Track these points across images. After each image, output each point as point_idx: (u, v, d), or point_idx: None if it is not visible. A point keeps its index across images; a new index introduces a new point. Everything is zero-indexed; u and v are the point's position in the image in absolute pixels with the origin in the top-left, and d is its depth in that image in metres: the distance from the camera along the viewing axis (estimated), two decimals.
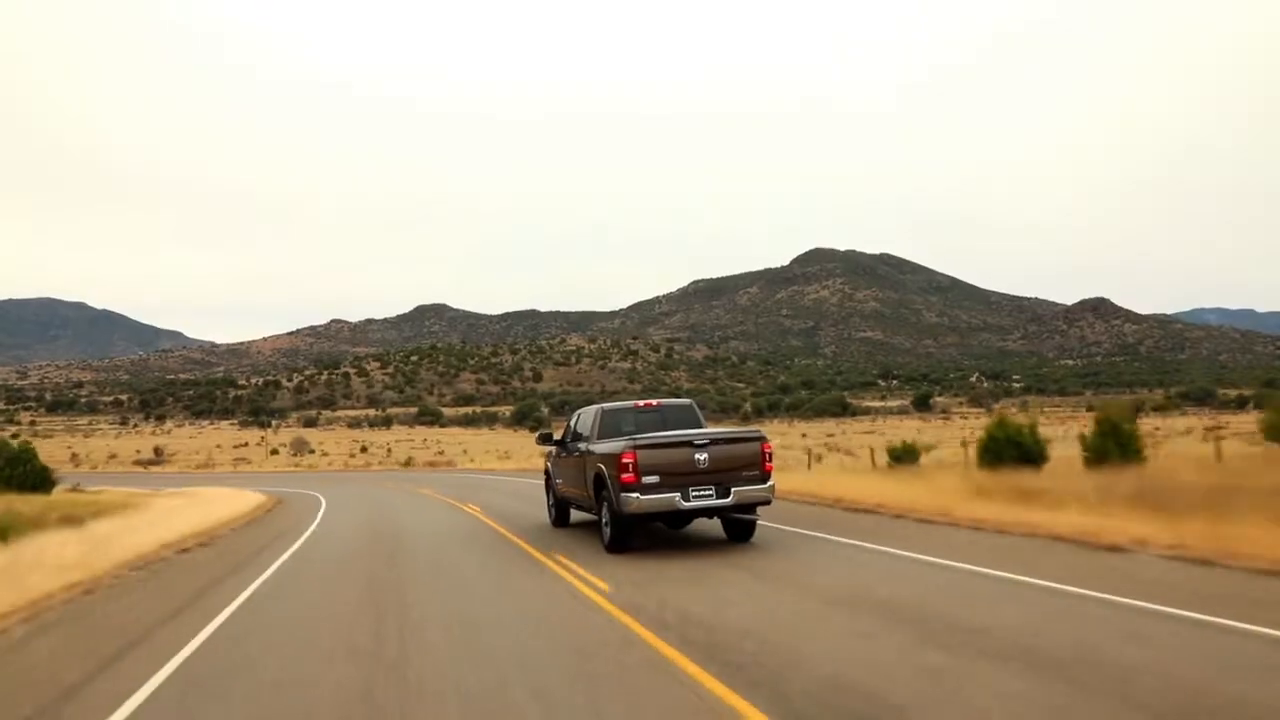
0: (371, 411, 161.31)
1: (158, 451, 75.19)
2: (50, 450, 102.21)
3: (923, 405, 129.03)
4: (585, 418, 13.57)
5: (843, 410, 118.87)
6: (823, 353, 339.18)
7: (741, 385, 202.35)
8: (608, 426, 12.73)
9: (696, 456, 10.88)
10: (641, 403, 13.52)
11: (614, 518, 11.28)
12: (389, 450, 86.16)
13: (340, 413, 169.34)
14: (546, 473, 15.75)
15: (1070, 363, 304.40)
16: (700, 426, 12.85)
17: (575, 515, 14.83)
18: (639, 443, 11.03)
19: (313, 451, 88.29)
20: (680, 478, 10.82)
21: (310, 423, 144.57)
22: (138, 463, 70.52)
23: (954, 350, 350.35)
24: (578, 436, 13.55)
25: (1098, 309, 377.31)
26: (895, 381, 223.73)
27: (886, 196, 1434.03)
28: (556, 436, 14.98)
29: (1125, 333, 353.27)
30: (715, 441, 11.13)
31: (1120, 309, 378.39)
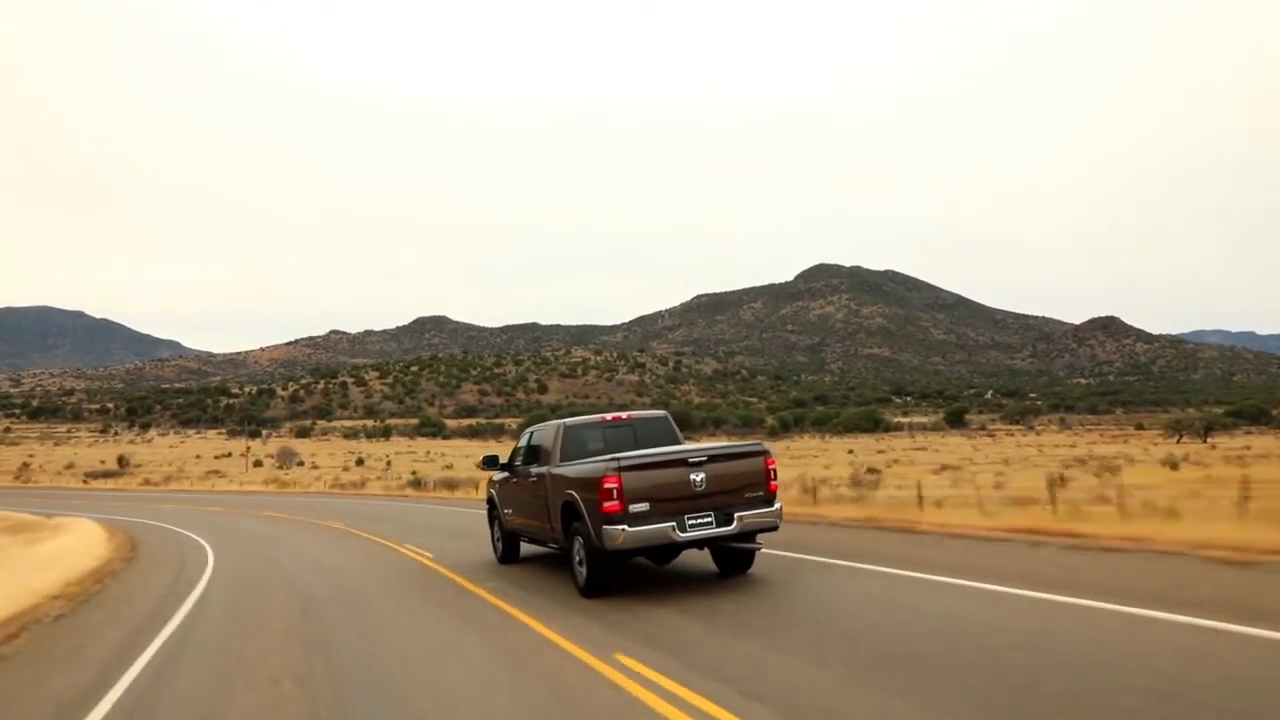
0: (369, 422, 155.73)
1: (121, 462, 67.46)
2: (7, 457, 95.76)
3: (957, 422, 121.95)
4: (543, 435, 11.75)
5: (875, 425, 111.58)
6: (829, 369, 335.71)
7: (754, 400, 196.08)
8: (572, 445, 10.92)
9: (692, 477, 9.11)
10: (610, 416, 11.83)
11: (592, 555, 9.38)
12: (388, 463, 78.33)
13: (336, 423, 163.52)
14: (490, 501, 13.75)
15: (1084, 381, 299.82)
16: (678, 442, 11.18)
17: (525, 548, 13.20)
18: (624, 464, 9.09)
19: (301, 464, 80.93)
20: (674, 504, 9.03)
21: (303, 433, 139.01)
22: (90, 474, 62.85)
23: (963, 368, 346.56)
24: (533, 457, 11.67)
25: (1108, 328, 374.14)
26: (910, 398, 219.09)
27: (891, 212, 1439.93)
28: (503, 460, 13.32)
29: (1137, 352, 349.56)
30: (713, 459, 9.32)
31: (1132, 328, 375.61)
